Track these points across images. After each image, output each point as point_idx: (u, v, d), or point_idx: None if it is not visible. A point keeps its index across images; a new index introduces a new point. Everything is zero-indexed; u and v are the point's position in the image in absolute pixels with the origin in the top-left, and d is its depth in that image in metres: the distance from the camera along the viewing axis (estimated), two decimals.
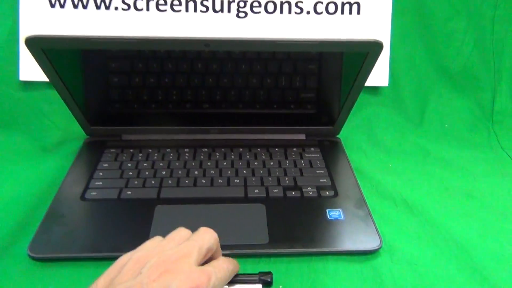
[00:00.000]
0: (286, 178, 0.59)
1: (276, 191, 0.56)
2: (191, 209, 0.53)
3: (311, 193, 0.56)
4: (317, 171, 0.61)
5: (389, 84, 0.73)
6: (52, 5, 0.67)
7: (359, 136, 0.71)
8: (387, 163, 0.65)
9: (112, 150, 0.64)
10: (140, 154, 0.63)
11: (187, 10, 0.70)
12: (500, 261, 0.47)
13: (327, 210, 0.53)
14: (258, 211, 0.53)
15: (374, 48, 0.50)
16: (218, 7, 0.70)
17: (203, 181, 0.58)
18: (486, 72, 0.76)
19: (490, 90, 0.76)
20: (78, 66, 0.62)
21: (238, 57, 0.66)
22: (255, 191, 0.56)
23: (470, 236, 0.50)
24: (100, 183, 0.57)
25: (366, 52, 0.51)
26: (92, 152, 0.64)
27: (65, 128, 0.69)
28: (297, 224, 0.51)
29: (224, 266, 0.39)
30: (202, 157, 0.63)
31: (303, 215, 0.52)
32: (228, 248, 0.47)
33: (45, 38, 0.47)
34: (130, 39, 0.48)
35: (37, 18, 0.67)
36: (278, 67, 0.66)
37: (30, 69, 0.67)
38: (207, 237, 0.40)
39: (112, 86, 0.66)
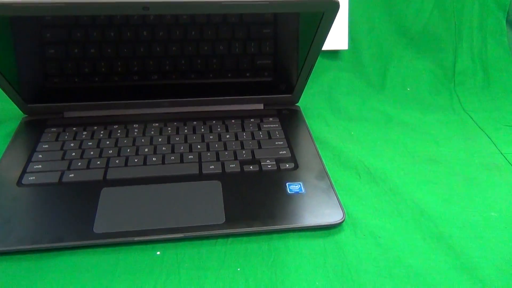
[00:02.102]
0: (243, 152, 0.55)
1: (233, 166, 0.53)
2: (140, 190, 0.49)
3: (269, 166, 0.53)
4: (276, 143, 0.57)
5: (348, 47, 0.70)
6: None
7: (320, 103, 0.68)
8: (349, 131, 0.62)
9: (53, 129, 0.59)
10: (84, 133, 0.58)
11: None
12: (465, 228, 0.46)
13: (287, 184, 0.50)
14: (213, 189, 0.49)
15: (330, 7, 0.46)
16: None
17: (154, 159, 0.54)
18: (447, 32, 0.73)
19: (451, 50, 0.74)
20: (7, 36, 0.55)
21: (187, 22, 0.60)
22: (210, 167, 0.52)
23: (435, 204, 0.49)
24: (39, 166, 0.52)
25: (322, 12, 0.47)
26: (31, 132, 0.59)
27: None
28: (255, 200, 0.48)
29: None
30: (152, 132, 0.58)
31: (261, 190, 0.49)
32: (182, 230, 0.44)
33: None
34: (57, 2, 0.42)
35: None
36: (230, 32, 0.62)
37: None
38: None
39: (49, 58, 0.60)
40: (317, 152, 0.56)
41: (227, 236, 0.44)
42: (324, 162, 0.54)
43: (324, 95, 0.69)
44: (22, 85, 0.58)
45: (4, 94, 0.56)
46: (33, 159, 0.53)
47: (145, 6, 0.42)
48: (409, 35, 0.73)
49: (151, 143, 0.56)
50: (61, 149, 0.55)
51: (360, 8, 0.70)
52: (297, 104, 0.66)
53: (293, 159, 0.54)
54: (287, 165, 0.53)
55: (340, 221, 0.45)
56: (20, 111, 0.61)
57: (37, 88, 0.60)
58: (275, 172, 0.52)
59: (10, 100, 0.58)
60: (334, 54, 0.71)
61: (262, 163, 0.53)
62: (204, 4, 0.43)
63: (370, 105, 0.68)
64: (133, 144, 0.56)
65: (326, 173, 0.52)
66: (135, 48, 0.61)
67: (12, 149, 0.55)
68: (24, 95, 0.58)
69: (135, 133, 0.58)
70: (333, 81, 0.70)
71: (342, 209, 0.47)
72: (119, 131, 0.58)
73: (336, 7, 0.46)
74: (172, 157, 0.54)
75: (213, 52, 0.62)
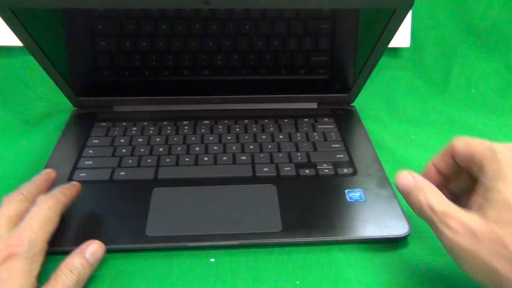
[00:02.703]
0: (298, 154, 0.52)
1: (288, 169, 0.50)
2: (192, 192, 0.47)
3: (326, 170, 0.50)
4: (332, 145, 0.54)
5: (410, 45, 0.66)
6: None
7: (377, 103, 0.64)
8: (409, 134, 0.59)
9: (103, 123, 0.58)
10: (134, 128, 0.57)
11: None
12: None
13: (346, 191, 0.47)
14: (268, 193, 0.47)
15: (404, 3, 0.42)
16: None
17: (205, 158, 0.52)
18: None
19: None
20: (59, 29, 0.54)
21: (241, 16, 0.58)
22: (264, 169, 0.50)
23: None
24: (90, 162, 0.51)
25: (394, 8, 0.43)
26: (81, 126, 0.58)
27: (50, 99, 0.62)
28: (312, 207, 0.45)
29: (41, 209, 0.37)
30: (203, 130, 0.56)
31: (319, 197, 0.46)
32: (237, 237, 0.41)
33: None
34: None
35: None
36: (286, 27, 0.59)
37: (5, 32, 0.60)
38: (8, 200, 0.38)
39: (100, 51, 0.59)
40: (376, 156, 0.53)
41: (284, 245, 0.42)
42: (385, 168, 0.50)
43: (381, 95, 0.65)
44: (73, 78, 0.57)
45: (55, 86, 0.56)
46: (83, 155, 0.52)
47: (206, 0, 0.40)
48: (475, 32, 0.68)
49: (202, 141, 0.54)
50: (111, 144, 0.54)
51: (424, 2, 0.65)
52: (352, 104, 0.63)
53: (351, 163, 0.51)
54: (345, 170, 0.50)
55: (405, 234, 0.42)
56: (71, 104, 0.60)
57: (87, 81, 0.59)
58: (333, 177, 0.49)
59: (61, 93, 0.57)
60: (393, 51, 0.67)
61: (318, 167, 0.50)
62: None
63: (432, 107, 0.64)
64: (184, 142, 0.54)
65: (388, 180, 0.49)
66: (186, 42, 0.59)
67: (63, 143, 0.55)
68: (75, 88, 0.57)
69: (185, 131, 0.56)
70: (392, 80, 0.67)
71: (407, 221, 0.43)
72: (168, 127, 0.57)
73: (410, 3, 0.42)
74: (224, 158, 0.52)
75: (267, 47, 0.60)
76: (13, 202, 0.37)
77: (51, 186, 0.42)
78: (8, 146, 0.56)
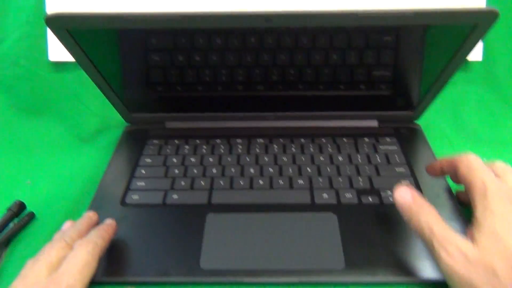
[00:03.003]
0: (360, 178, 0.49)
1: (349, 196, 0.47)
2: (248, 219, 0.44)
3: (391, 198, 0.46)
4: (397, 169, 0.50)
5: (482, 58, 0.60)
6: None
7: (443, 121, 0.59)
8: (481, 155, 0.53)
9: (155, 141, 0.56)
10: (187, 147, 0.55)
11: None
12: None
13: None
14: (328, 223, 0.43)
15: (487, 18, 0.38)
16: None
17: (261, 181, 0.49)
18: None
19: None
20: (113, 45, 0.53)
21: (298, 29, 0.55)
22: (324, 195, 0.47)
23: None
24: (143, 183, 0.50)
25: (474, 24, 0.39)
26: (133, 143, 0.57)
27: (103, 114, 0.61)
28: (377, 241, 0.41)
29: (80, 254, 0.36)
30: (257, 150, 0.54)
31: (384, 229, 0.43)
32: (296, 274, 0.39)
33: (70, 16, 0.38)
34: (172, 15, 0.38)
35: None
36: (346, 39, 0.55)
37: (61, 48, 0.59)
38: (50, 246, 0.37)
39: (153, 65, 0.57)
40: (446, 182, 0.48)
41: (347, 284, 0.38)
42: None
43: (448, 112, 0.61)
44: (125, 93, 0.56)
45: (108, 102, 0.55)
46: (136, 175, 0.51)
47: (268, 18, 0.37)
48: None
49: (256, 162, 0.52)
50: (164, 164, 0.52)
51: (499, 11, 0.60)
52: (416, 122, 0.58)
53: (419, 190, 0.47)
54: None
55: None
56: (122, 120, 0.59)
57: (140, 97, 0.58)
58: None
59: (113, 108, 0.56)
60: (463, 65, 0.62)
61: (382, 194, 0.47)
62: (337, 15, 0.37)
63: (505, 126, 0.58)
64: (238, 163, 0.52)
65: (459, 211, 0.44)
66: (241, 56, 0.56)
67: (116, 162, 0.54)
68: (128, 104, 0.56)
69: (239, 150, 0.54)
70: (460, 95, 0.61)
71: None
72: (222, 146, 0.55)
73: (494, 18, 0.38)
74: (281, 181, 0.49)
75: (326, 61, 0.56)
76: (55, 249, 0.37)
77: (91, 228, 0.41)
78: (61, 161, 0.55)
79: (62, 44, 0.42)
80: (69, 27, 0.39)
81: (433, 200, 0.45)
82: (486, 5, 0.58)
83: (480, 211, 0.35)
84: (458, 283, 0.33)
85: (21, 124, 0.60)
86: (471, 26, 0.40)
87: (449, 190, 0.47)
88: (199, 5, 0.60)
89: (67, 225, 0.42)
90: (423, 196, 0.39)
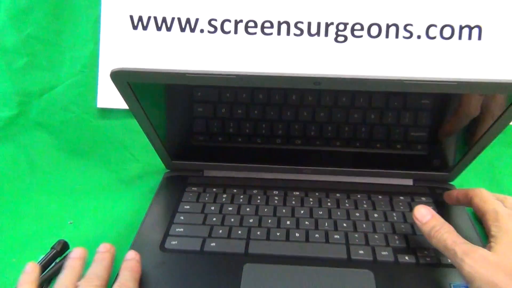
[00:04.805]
0: (396, 237, 0.49)
1: (385, 254, 0.47)
2: (284, 272, 0.45)
3: (428, 259, 0.46)
4: None
5: None
6: (135, 27, 0.63)
7: (478, 183, 0.60)
8: None
9: (194, 188, 0.58)
10: (224, 195, 0.56)
11: (279, 33, 0.63)
12: None
13: (451, 284, 0.43)
14: (365, 281, 0.44)
15: None
16: (314, 30, 0.63)
17: (297, 234, 0.50)
18: None
19: None
20: (163, 97, 0.56)
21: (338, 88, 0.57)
22: (360, 252, 0.47)
23: None
24: (181, 229, 0.51)
25: None
26: (173, 189, 0.58)
27: (145, 160, 0.64)
28: None
29: None
30: (293, 202, 0.55)
31: None
32: None
33: (133, 72, 0.41)
34: (229, 75, 0.41)
35: (118, 41, 0.63)
36: (384, 100, 0.57)
37: (109, 96, 0.63)
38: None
39: (196, 116, 0.60)
40: (482, 243, 0.48)
41: None
42: None
43: (484, 173, 0.61)
44: (170, 141, 0.58)
45: (150, 148, 0.57)
46: (175, 221, 0.52)
47: (317, 81, 0.40)
48: None
49: (292, 215, 0.53)
50: (202, 212, 0.54)
51: None
52: (451, 183, 0.59)
53: None
54: (449, 260, 0.46)
55: None
56: (162, 166, 0.61)
57: (182, 145, 0.60)
58: (435, 267, 0.45)
59: (155, 155, 0.59)
60: None
61: (418, 254, 0.47)
62: (383, 82, 0.39)
63: None
64: (274, 214, 0.53)
65: None
66: (281, 112, 0.59)
67: (155, 207, 0.55)
68: (170, 152, 0.59)
69: (276, 201, 0.55)
70: (496, 157, 0.62)
71: None
72: (258, 197, 0.56)
73: None
74: (316, 235, 0.50)
75: (363, 120, 0.58)
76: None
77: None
78: (103, 204, 0.57)
79: (122, 95, 0.45)
80: (130, 80, 0.43)
81: None
82: None
83: (495, 231, 0.41)
84: (481, 283, 0.36)
85: (68, 166, 0.63)
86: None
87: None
88: (239, 58, 0.64)
89: (78, 252, 0.44)
90: None
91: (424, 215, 0.44)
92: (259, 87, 0.57)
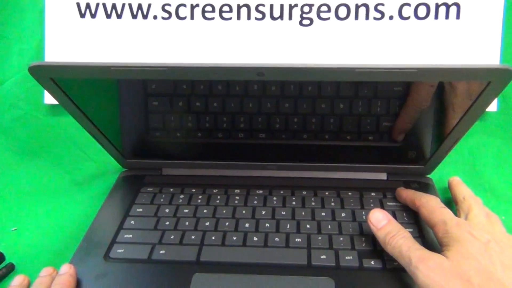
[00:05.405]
0: (363, 239, 0.45)
1: (349, 259, 0.43)
2: (236, 281, 0.41)
3: (396, 263, 0.41)
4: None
5: (498, 108, 0.57)
6: (82, 15, 0.58)
7: (458, 175, 0.55)
8: (499, 215, 0.49)
9: (149, 189, 0.54)
10: (182, 196, 0.52)
11: (238, 17, 0.58)
12: None
13: None
14: None
15: (500, 77, 0.35)
16: (277, 13, 0.58)
17: (255, 238, 0.46)
18: None
19: None
20: (110, 91, 0.51)
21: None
22: (321, 256, 0.43)
23: None
24: (130, 236, 0.47)
25: (487, 81, 0.36)
26: (127, 190, 0.54)
27: (100, 159, 0.60)
28: None
29: None
30: (255, 202, 0.51)
31: None
32: None
33: (53, 67, 0.37)
34: (160, 67, 0.36)
35: (65, 31, 0.58)
36: (353, 89, 0.52)
37: None
38: None
39: (152, 111, 0.55)
40: None
41: None
42: None
43: (464, 165, 0.57)
44: (122, 139, 0.54)
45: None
46: (124, 226, 0.48)
47: (260, 72, 0.35)
48: None
49: (253, 216, 0.49)
50: (155, 215, 0.50)
51: None
52: (428, 176, 0.54)
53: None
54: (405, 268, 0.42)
55: None
56: (119, 165, 0.57)
57: (137, 142, 0.56)
58: (403, 273, 0.41)
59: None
60: None
61: (386, 258, 0.42)
62: (331, 70, 0.34)
63: None
64: (233, 216, 0.49)
65: None
66: (243, 104, 0.54)
67: (106, 210, 0.51)
68: (124, 150, 0.55)
69: (236, 202, 0.51)
70: (477, 148, 0.57)
71: None
72: (218, 196, 0.52)
73: (508, 77, 0.34)
74: (276, 239, 0.45)
75: (331, 110, 0.53)
76: None
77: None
78: (52, 208, 0.54)
79: (48, 92, 0.41)
80: (53, 76, 0.38)
81: None
82: (501, 53, 0.55)
83: (445, 241, 0.38)
84: None
85: (16, 167, 0.59)
86: (484, 83, 0.37)
87: None
88: (196, 45, 0.59)
89: (18, 280, 0.40)
90: None
91: (380, 220, 0.41)
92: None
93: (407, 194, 0.48)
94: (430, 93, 0.47)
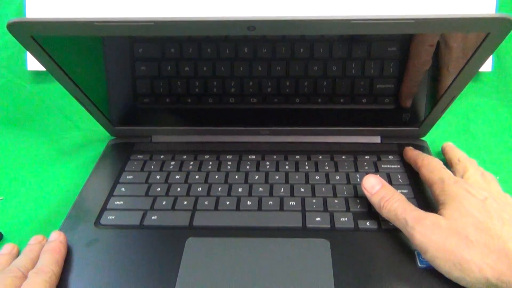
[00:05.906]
0: (358, 201, 0.44)
1: (344, 220, 0.42)
2: (231, 245, 0.40)
3: (392, 224, 0.41)
4: (398, 191, 0.45)
5: (492, 68, 0.56)
6: None
7: (452, 137, 0.55)
8: (494, 174, 0.49)
9: (139, 156, 0.53)
10: (172, 163, 0.51)
11: None
12: None
13: (416, 252, 0.38)
14: (320, 250, 0.39)
15: (499, 27, 0.34)
16: None
17: (249, 202, 0.45)
18: None
19: None
20: (96, 54, 0.50)
21: (295, 38, 0.51)
22: (316, 219, 0.42)
23: None
24: (121, 202, 0.46)
25: (486, 33, 0.35)
26: (116, 158, 0.53)
27: (88, 127, 0.58)
28: (374, 272, 0.37)
29: (35, 285, 0.33)
30: (248, 167, 0.50)
31: (382, 258, 0.38)
32: None
33: (33, 23, 0.35)
34: (146, 21, 0.35)
35: None
36: (346, 49, 0.51)
37: None
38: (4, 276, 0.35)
39: (139, 76, 0.54)
40: None
41: None
42: None
43: (458, 126, 0.56)
44: (110, 106, 0.52)
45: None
46: (115, 193, 0.47)
47: (251, 26, 0.33)
48: None
49: (245, 181, 0.48)
50: (146, 182, 0.48)
51: None
52: (423, 139, 0.54)
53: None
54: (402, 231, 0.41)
55: None
56: (107, 133, 0.55)
57: (125, 109, 0.54)
58: (400, 233, 0.41)
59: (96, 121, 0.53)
60: None
61: (381, 219, 0.42)
62: (326, 23, 0.33)
63: None
64: (225, 181, 0.48)
65: None
66: (233, 67, 0.52)
67: (95, 178, 0.50)
68: (112, 117, 0.53)
69: (228, 167, 0.50)
70: (471, 109, 0.57)
71: None
72: (210, 162, 0.51)
73: (508, 27, 0.33)
74: (270, 202, 0.45)
75: (324, 72, 0.52)
76: (10, 278, 0.34)
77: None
78: (39, 177, 0.52)
79: (29, 52, 0.39)
80: (33, 34, 0.36)
81: None
82: (497, 9, 0.54)
83: (442, 199, 0.38)
84: (434, 250, 0.34)
85: (1, 137, 0.57)
86: (483, 35, 0.36)
87: None
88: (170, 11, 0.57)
89: (8, 248, 0.40)
90: None
91: (373, 185, 0.41)
92: (207, 39, 0.51)
93: (412, 154, 0.48)
94: (430, 53, 0.46)
